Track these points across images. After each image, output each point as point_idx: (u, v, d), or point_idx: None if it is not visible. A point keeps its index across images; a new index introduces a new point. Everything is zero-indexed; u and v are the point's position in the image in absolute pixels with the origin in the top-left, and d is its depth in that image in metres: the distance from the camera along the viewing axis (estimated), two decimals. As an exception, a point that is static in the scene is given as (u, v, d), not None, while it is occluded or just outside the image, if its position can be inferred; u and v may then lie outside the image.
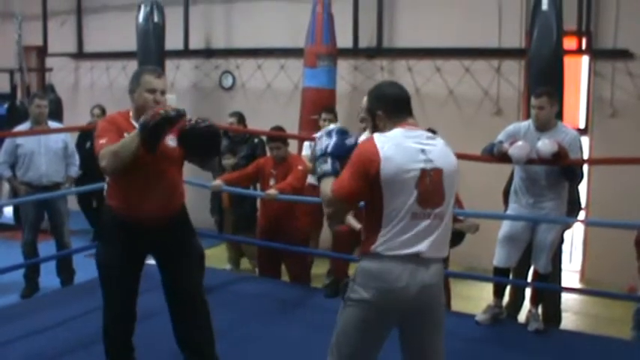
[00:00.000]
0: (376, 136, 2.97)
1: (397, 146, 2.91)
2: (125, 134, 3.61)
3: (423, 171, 2.91)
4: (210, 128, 3.64)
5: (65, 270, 6.81)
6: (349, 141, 3.10)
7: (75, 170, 6.85)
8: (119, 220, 3.77)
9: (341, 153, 3.08)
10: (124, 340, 3.92)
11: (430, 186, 2.92)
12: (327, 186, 3.00)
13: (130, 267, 3.83)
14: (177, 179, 3.92)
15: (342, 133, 3.15)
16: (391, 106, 3.09)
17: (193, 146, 3.65)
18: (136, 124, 3.60)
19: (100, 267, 3.84)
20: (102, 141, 3.62)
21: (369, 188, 2.90)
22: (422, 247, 2.91)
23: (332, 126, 3.30)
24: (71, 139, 7.03)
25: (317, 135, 3.27)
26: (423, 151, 2.95)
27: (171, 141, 3.73)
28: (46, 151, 6.62)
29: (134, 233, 3.75)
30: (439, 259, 3.02)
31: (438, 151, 3.00)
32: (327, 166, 3.06)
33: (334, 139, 3.11)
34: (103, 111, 8.40)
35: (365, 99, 3.32)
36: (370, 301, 2.93)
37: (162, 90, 3.76)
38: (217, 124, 7.71)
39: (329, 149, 3.08)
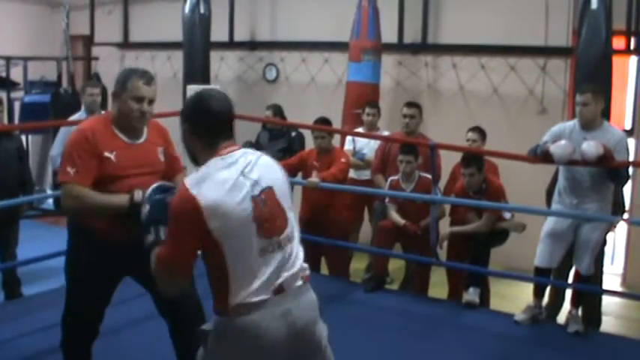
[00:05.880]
0: (188, 179, 2.51)
1: (216, 184, 2.47)
2: (106, 153, 3.26)
3: (253, 198, 2.51)
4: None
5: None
6: (171, 198, 2.68)
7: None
8: (97, 242, 3.37)
9: (163, 215, 2.70)
10: (84, 351, 3.69)
11: (267, 211, 2.54)
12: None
13: (106, 288, 3.57)
14: None
15: (161, 192, 2.85)
16: (206, 129, 2.62)
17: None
18: (119, 132, 3.34)
19: (71, 281, 3.62)
20: (70, 169, 3.22)
21: (199, 241, 2.48)
22: (281, 281, 2.56)
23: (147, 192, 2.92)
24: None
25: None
26: (243, 174, 2.53)
27: (161, 154, 3.51)
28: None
29: (114, 255, 3.38)
30: (303, 284, 2.67)
31: (260, 167, 2.60)
32: (152, 236, 2.73)
33: (150, 204, 2.81)
34: None
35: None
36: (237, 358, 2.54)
37: (151, 99, 3.34)
38: (258, 117, 7.65)
39: (147, 218, 2.78)
